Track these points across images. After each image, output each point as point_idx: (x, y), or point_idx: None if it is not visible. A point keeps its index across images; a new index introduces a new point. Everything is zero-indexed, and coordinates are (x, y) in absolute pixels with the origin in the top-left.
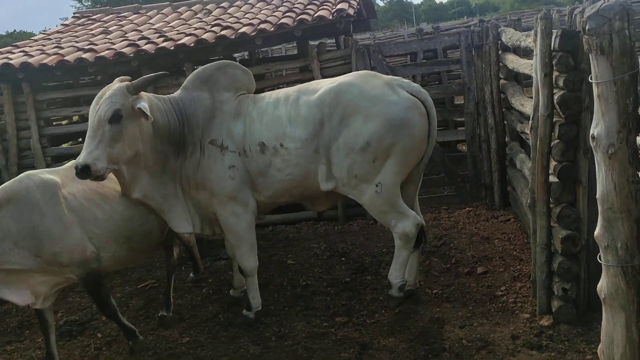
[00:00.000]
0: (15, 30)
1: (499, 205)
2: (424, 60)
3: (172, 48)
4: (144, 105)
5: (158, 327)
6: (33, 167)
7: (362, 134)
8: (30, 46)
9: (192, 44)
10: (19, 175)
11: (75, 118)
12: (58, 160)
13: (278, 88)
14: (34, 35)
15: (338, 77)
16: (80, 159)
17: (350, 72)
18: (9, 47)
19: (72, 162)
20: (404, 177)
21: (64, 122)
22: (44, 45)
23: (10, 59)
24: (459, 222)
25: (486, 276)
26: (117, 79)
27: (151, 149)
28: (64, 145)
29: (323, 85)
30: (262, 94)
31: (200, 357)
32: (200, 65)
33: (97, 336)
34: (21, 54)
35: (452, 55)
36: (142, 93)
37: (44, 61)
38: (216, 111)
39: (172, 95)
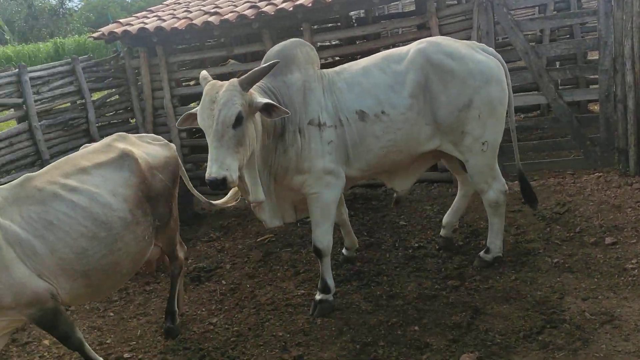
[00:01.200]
0: None
1: (634, 172)
2: (555, 12)
3: (291, 9)
4: (268, 102)
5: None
6: (166, 125)
7: (463, 91)
8: (163, 11)
9: (310, 4)
10: None
11: None
12: None
13: (393, 47)
14: None
15: (415, 44)
16: (214, 171)
17: (471, 28)
18: (144, 12)
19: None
20: (501, 137)
21: (191, 83)
22: (174, 10)
23: (146, 24)
24: (586, 189)
25: (615, 247)
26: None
27: (262, 147)
28: (191, 105)
29: (408, 49)
30: (340, 67)
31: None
32: (319, 26)
33: (222, 283)
34: (155, 18)
35: (587, 6)
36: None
37: (175, 25)
38: (306, 90)
39: (262, 84)
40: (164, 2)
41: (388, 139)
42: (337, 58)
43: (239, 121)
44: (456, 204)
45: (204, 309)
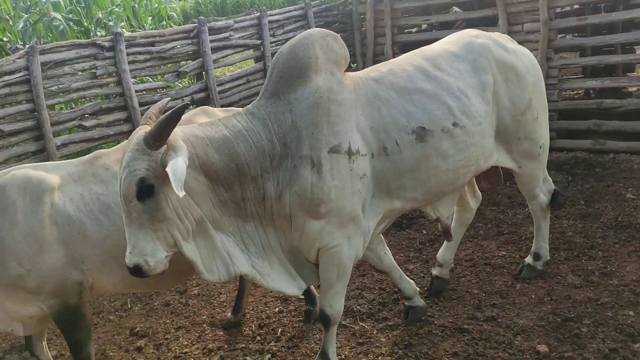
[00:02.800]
0: None
1: None
2: None
3: None
4: (172, 166)
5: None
6: None
7: (524, 90)
8: None
9: None
10: (7, 169)
11: (423, 26)
12: None
13: None
14: None
15: (460, 38)
16: (127, 257)
17: None
18: None
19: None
20: None
21: (413, 30)
22: None
23: None
24: None
25: None
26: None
27: (217, 205)
28: None
29: (460, 45)
30: (375, 72)
31: (513, 272)
32: None
33: (422, 232)
34: None
35: None
36: (176, 137)
37: None
38: (330, 104)
39: (248, 107)
40: None
41: (461, 157)
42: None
43: (147, 192)
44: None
45: (402, 255)
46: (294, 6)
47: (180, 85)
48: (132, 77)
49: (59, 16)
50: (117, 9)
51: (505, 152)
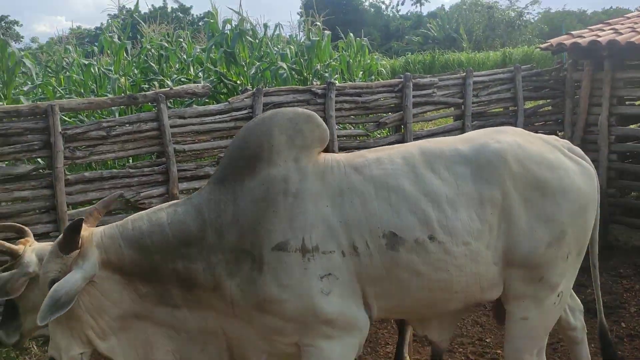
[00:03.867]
0: (611, 7)
1: None
2: None
3: None
4: (55, 287)
5: None
6: (596, 143)
7: (555, 218)
8: (622, 24)
9: None
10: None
11: None
12: (621, 140)
13: None
14: (629, 12)
15: (480, 136)
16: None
17: None
18: (599, 25)
19: None
20: None
21: (637, 103)
22: (635, 23)
23: (599, 37)
24: None
25: None
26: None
27: (137, 299)
28: (631, 127)
29: (470, 145)
30: (359, 158)
31: None
32: None
33: (621, 325)
34: (611, 31)
35: None
36: (90, 241)
37: (632, 39)
38: (279, 197)
39: (194, 193)
40: (626, 15)
41: (437, 279)
42: None
43: None
44: None
45: (592, 345)
46: (502, 69)
47: (379, 135)
48: (336, 124)
49: (284, 65)
50: (333, 63)
51: (521, 295)
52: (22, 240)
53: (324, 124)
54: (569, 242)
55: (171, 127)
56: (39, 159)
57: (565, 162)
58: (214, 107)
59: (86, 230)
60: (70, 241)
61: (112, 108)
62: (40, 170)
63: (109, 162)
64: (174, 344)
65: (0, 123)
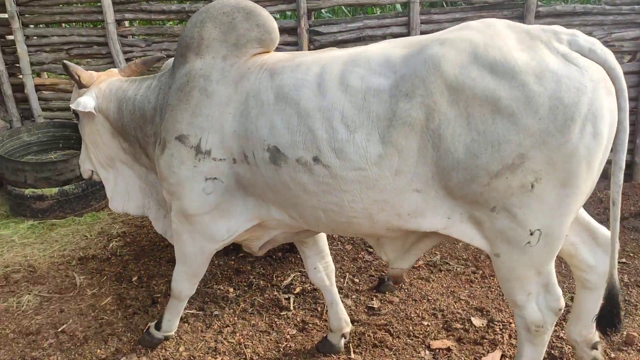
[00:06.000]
0: None
1: None
2: None
3: None
4: (76, 102)
5: None
6: None
7: (510, 139)
8: None
9: None
10: None
11: None
12: None
13: None
14: None
15: (431, 36)
16: None
17: None
18: None
19: None
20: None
21: None
22: None
23: None
24: None
25: None
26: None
27: (121, 150)
28: None
29: (407, 51)
30: (294, 58)
31: None
32: None
33: None
34: None
35: None
36: (98, 83)
37: None
38: (194, 92)
39: (128, 82)
40: None
41: (326, 201)
42: None
43: (76, 116)
44: None
45: None
46: None
47: None
48: None
49: None
50: None
51: (468, 222)
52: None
53: (272, 24)
54: (533, 168)
55: None
56: None
57: (541, 64)
58: None
59: (104, 76)
60: (73, 79)
61: None
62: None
63: None
64: (145, 197)
65: None
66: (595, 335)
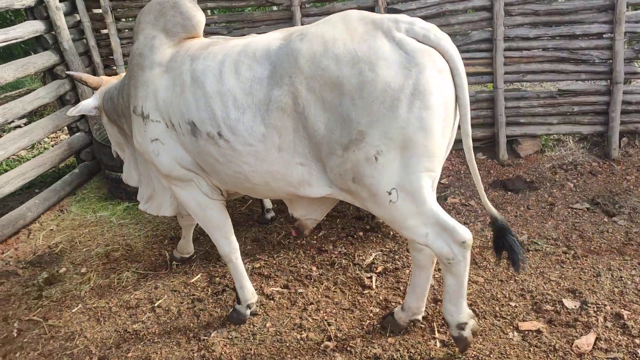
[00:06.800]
0: None
1: None
2: None
3: None
4: (75, 107)
5: None
6: None
7: (351, 118)
8: None
9: None
10: None
11: None
12: None
13: None
14: None
15: (299, 30)
16: None
17: None
18: None
19: None
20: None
21: None
22: None
23: None
24: None
25: None
26: None
27: (119, 134)
28: None
29: (279, 43)
30: (210, 45)
31: None
32: None
33: None
34: None
35: None
36: (101, 87)
37: None
38: (135, 68)
39: None
40: None
41: (233, 169)
42: None
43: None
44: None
45: None
46: None
47: None
48: None
49: None
50: None
51: (347, 194)
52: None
53: (193, 12)
54: (373, 143)
55: None
56: None
57: (376, 53)
58: None
59: (114, 79)
60: (85, 85)
61: None
62: None
63: None
64: (137, 176)
65: None
66: (462, 317)
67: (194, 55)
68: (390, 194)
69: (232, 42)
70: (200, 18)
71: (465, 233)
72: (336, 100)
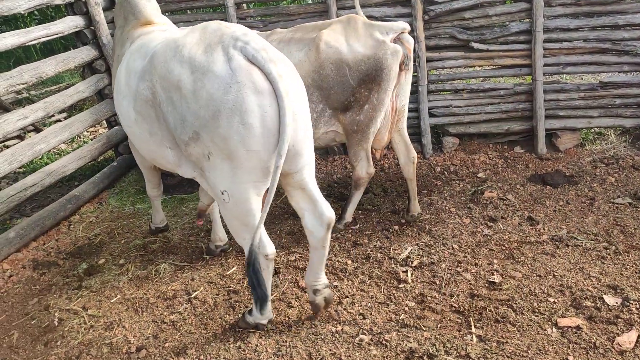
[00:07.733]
0: None
1: None
2: None
3: None
4: None
5: None
6: None
7: (187, 119)
8: None
9: None
10: None
11: None
12: None
13: None
14: None
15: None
16: None
17: None
18: None
19: None
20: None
21: None
22: None
23: None
24: None
25: None
26: None
27: None
28: None
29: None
30: (147, 34)
31: None
32: None
33: None
34: None
35: None
36: None
37: None
38: (114, 54)
39: None
40: None
41: (139, 147)
42: None
43: None
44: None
45: None
46: None
47: None
48: None
49: None
50: None
51: (202, 177)
52: None
53: (144, 3)
54: (205, 144)
55: None
56: None
57: (209, 65)
58: None
59: None
60: None
61: None
62: None
63: None
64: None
65: None
66: (318, 284)
67: (137, 42)
68: (223, 194)
69: (161, 34)
70: (140, 5)
71: (269, 248)
72: (178, 101)
